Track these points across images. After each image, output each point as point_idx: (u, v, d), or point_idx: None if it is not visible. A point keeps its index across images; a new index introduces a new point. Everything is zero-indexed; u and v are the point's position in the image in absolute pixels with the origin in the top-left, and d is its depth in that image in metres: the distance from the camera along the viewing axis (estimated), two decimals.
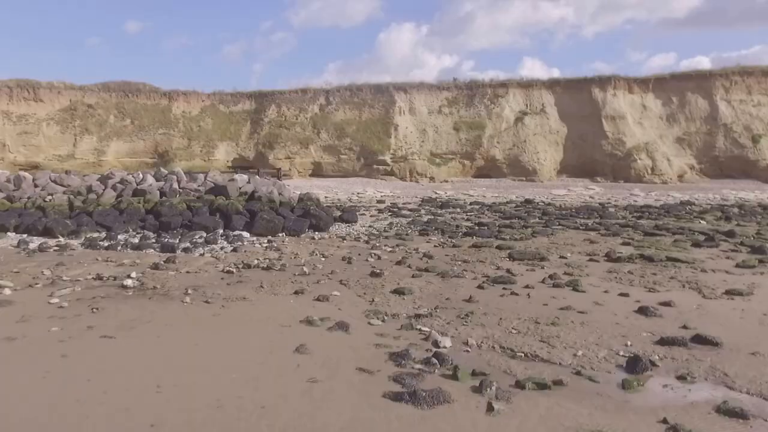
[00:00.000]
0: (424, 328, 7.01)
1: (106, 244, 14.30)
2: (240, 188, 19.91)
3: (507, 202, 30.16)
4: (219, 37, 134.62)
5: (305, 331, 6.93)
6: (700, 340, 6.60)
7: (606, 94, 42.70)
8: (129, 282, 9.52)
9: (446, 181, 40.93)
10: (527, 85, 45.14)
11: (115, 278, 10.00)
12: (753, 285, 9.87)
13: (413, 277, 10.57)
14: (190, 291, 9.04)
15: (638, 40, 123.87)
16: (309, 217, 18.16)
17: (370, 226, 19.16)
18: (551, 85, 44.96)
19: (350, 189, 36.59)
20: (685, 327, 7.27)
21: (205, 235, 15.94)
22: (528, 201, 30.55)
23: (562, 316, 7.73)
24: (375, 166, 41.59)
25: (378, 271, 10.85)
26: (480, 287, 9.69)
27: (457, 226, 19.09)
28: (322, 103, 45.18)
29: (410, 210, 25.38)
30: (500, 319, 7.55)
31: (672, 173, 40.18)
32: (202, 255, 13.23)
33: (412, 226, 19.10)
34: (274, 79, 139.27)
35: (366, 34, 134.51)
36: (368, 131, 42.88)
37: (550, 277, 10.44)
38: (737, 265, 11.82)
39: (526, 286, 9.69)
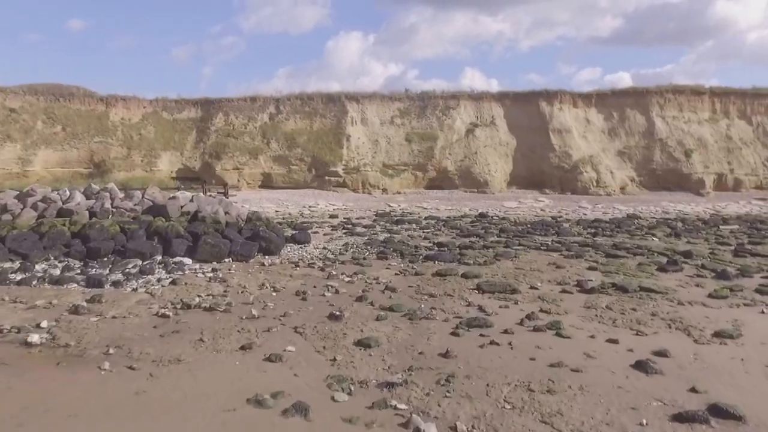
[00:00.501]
0: (400, 406, 5.76)
1: (18, 277, 12.28)
2: (182, 207, 18.10)
3: (462, 216, 29.48)
4: (167, 40, 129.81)
5: (253, 417, 5.50)
6: (720, 413, 5.71)
7: (552, 108, 43.53)
8: (35, 338, 7.74)
9: (399, 193, 40.09)
10: (478, 97, 45.35)
11: (18, 330, 8.20)
12: (737, 323, 9.46)
13: (377, 319, 9.36)
14: (111, 350, 7.43)
15: (568, 54, 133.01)
16: (258, 239, 16.63)
17: (324, 248, 17.85)
18: (500, 97, 45.33)
19: (301, 202, 35.00)
20: (694, 390, 6.39)
21: (140, 263, 14.13)
22: (482, 215, 29.96)
23: (556, 377, 6.69)
24: (327, 178, 40.20)
25: (337, 312, 9.58)
26: (454, 333, 8.60)
27: (416, 247, 18.11)
28: (272, 111, 43.32)
29: (365, 226, 24.18)
30: (487, 385, 6.42)
31: (615, 185, 41.42)
32: (134, 290, 11.57)
33: (368, 248, 17.94)
34: (224, 83, 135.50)
35: (315, 41, 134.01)
36: (320, 141, 41.40)
37: (528, 317, 9.51)
38: (710, 296, 11.51)
39: (505, 331, 8.68)
